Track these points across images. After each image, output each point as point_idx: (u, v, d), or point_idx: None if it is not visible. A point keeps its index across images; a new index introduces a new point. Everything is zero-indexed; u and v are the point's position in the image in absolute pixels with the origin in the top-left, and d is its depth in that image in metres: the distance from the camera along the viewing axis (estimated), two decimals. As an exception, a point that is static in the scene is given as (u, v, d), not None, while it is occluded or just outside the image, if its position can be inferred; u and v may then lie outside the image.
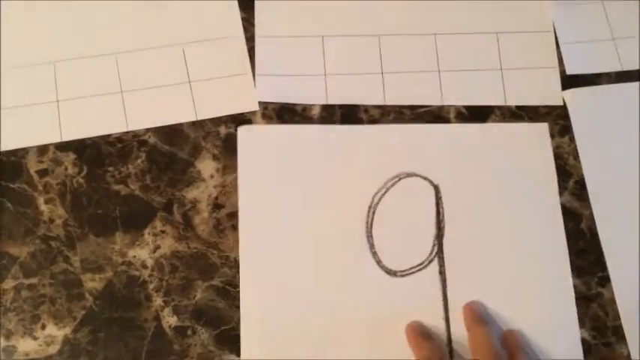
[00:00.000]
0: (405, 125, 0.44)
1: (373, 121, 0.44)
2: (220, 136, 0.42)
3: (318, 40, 0.45)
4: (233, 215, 0.41)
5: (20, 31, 0.43)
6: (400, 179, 0.43)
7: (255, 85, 0.43)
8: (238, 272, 0.40)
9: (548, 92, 0.45)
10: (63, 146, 0.41)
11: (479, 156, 0.43)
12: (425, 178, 0.43)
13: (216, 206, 0.41)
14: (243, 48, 0.44)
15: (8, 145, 0.41)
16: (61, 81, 0.42)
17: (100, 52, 0.43)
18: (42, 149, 0.41)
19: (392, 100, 0.44)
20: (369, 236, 0.41)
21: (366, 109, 0.44)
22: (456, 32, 0.46)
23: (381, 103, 0.44)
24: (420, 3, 0.47)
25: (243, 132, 0.42)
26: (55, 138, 0.41)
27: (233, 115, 0.43)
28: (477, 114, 0.44)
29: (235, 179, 0.41)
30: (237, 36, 0.44)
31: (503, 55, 0.46)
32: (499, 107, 0.44)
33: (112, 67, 0.43)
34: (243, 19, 0.45)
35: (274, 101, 0.43)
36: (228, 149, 0.42)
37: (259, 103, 0.43)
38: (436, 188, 0.43)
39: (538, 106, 0.45)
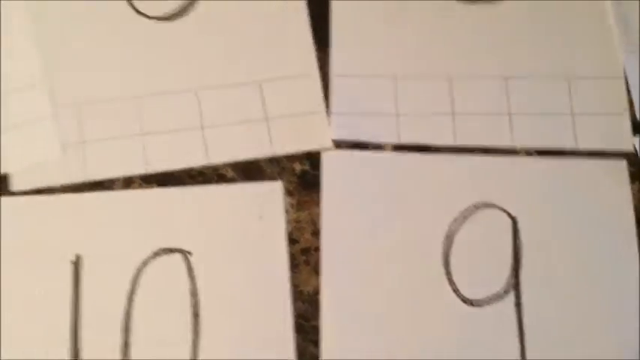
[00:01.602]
0: (483, 156, 0.45)
1: (444, 161, 0.45)
2: (295, 172, 0.44)
3: (391, 80, 0.46)
4: (306, 250, 0.42)
5: (107, 67, 0.45)
6: (478, 209, 0.43)
7: (329, 123, 0.45)
8: (311, 306, 0.41)
9: (619, 138, 0.46)
10: (148, 178, 0.43)
11: (556, 190, 0.44)
12: (502, 210, 0.44)
13: (291, 241, 0.42)
14: (318, 86, 0.46)
15: (96, 175, 0.43)
16: (146, 115, 0.44)
17: (183, 88, 0.45)
18: (128, 180, 0.43)
19: (462, 140, 0.45)
20: (447, 264, 0.42)
21: (437, 148, 0.45)
22: (528, 75, 0.47)
23: (451, 143, 0.45)
24: (493, 45, 0.48)
25: (327, 156, 0.44)
26: (140, 170, 0.43)
27: (308, 151, 0.44)
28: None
29: (309, 215, 0.43)
30: (313, 74, 0.46)
31: (574, 100, 0.46)
32: (570, 152, 0.45)
33: (193, 102, 0.45)
34: (318, 58, 0.46)
35: (347, 139, 0.45)
36: (302, 185, 0.43)
37: (333, 140, 0.44)
38: (513, 220, 0.43)
39: (609, 152, 0.45)
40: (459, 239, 0.43)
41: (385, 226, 0.43)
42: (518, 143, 0.45)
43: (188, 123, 0.45)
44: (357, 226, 0.43)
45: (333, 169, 0.44)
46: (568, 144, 0.45)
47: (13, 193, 0.42)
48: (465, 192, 0.44)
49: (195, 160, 0.44)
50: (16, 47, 0.45)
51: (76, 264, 0.42)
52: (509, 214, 0.44)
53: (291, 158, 0.44)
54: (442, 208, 0.44)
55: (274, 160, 0.44)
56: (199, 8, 0.47)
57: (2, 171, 0.43)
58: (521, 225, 0.43)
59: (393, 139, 0.45)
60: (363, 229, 0.43)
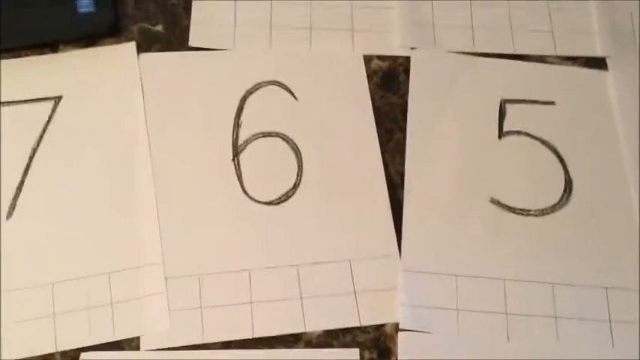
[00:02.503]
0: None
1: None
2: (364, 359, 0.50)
3: (452, 278, 0.53)
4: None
5: (222, 243, 0.53)
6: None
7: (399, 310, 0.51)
8: None
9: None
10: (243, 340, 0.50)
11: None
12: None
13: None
14: (397, 266, 0.53)
15: (210, 338, 0.50)
16: (254, 286, 0.52)
17: (286, 263, 0.53)
18: (226, 344, 0.50)
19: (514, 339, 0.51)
20: None
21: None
22: (573, 284, 0.53)
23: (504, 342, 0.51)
24: (541, 253, 0.54)
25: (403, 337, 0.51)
26: (247, 334, 0.50)
27: (378, 339, 0.51)
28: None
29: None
30: (394, 256, 0.53)
31: (611, 309, 0.53)
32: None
33: (294, 276, 0.52)
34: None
35: (413, 330, 0.51)
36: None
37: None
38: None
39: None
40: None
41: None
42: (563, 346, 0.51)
43: (289, 294, 0.52)
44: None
45: (407, 349, 0.50)
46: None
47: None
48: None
49: (294, 327, 0.51)
50: (144, 229, 0.53)
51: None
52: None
53: (362, 346, 0.51)
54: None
55: (348, 340, 0.51)
56: (299, 196, 0.55)
57: (118, 338, 0.50)
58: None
59: (453, 332, 0.51)
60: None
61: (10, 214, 0.53)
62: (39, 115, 0.56)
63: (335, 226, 0.54)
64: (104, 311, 0.51)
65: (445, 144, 0.58)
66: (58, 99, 0.56)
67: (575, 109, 0.59)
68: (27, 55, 0.58)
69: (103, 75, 0.58)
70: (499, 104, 0.59)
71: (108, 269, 0.52)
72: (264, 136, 0.57)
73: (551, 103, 0.59)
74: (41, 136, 0.55)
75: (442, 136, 0.58)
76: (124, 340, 0.50)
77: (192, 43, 0.59)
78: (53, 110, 0.56)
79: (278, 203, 0.55)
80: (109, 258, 0.52)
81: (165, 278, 0.52)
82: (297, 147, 0.57)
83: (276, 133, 0.57)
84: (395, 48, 0.61)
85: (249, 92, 0.58)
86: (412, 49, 0.61)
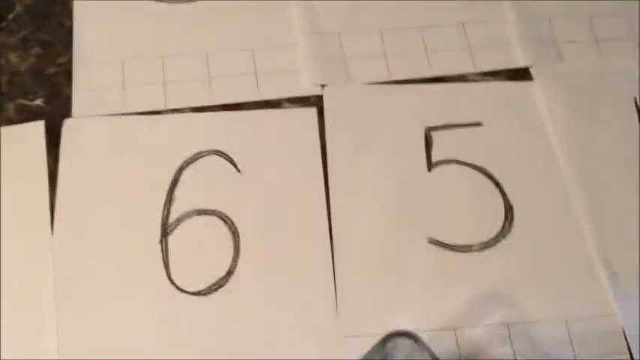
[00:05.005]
0: None
1: None
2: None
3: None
4: None
5: (133, 341, 0.46)
6: None
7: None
8: None
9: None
10: None
11: None
12: None
13: None
14: None
15: None
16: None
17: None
18: None
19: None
20: None
21: None
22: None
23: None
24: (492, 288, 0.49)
25: None
26: None
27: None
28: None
29: None
30: None
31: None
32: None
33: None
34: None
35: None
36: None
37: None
38: None
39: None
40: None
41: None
42: None
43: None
44: None
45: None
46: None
47: None
48: None
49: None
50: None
51: None
52: None
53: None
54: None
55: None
56: (232, 285, 0.48)
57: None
58: None
59: None
60: None
61: None
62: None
63: (273, 320, 0.47)
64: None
65: (372, 184, 0.52)
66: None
67: (505, 127, 0.55)
68: None
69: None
70: (424, 133, 0.54)
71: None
72: (198, 214, 0.50)
73: (478, 124, 0.55)
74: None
75: (368, 175, 0.53)
76: None
77: (75, 113, 0.53)
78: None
79: (207, 294, 0.48)
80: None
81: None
82: (236, 227, 0.50)
83: (213, 210, 0.50)
84: (304, 88, 0.56)
85: (187, 163, 0.52)
86: (323, 86, 0.55)
